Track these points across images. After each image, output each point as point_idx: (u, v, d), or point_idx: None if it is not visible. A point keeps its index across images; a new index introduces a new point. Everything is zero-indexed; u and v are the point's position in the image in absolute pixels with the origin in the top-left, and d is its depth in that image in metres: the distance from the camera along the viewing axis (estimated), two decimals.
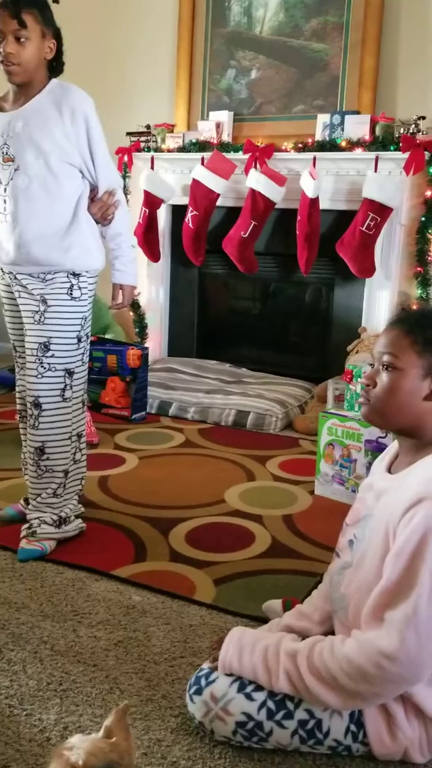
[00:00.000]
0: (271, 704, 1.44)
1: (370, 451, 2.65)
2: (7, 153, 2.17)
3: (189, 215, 4.06)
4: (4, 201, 2.19)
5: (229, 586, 2.12)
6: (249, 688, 1.46)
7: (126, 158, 4.27)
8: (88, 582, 2.13)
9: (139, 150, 4.23)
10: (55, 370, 2.24)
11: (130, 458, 3.15)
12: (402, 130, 3.50)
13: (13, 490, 2.73)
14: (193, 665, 1.73)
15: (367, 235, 3.59)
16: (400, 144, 3.47)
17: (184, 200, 4.11)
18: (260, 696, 1.45)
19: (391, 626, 1.32)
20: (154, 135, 4.20)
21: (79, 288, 2.27)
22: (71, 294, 2.26)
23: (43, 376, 2.24)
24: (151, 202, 4.18)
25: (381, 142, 3.55)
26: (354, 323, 3.85)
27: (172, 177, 4.22)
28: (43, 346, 2.23)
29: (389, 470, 1.55)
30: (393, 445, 1.61)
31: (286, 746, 1.46)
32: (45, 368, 2.24)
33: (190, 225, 4.06)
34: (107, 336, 4.25)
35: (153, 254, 4.32)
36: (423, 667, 1.33)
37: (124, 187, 4.35)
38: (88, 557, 2.25)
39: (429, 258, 3.60)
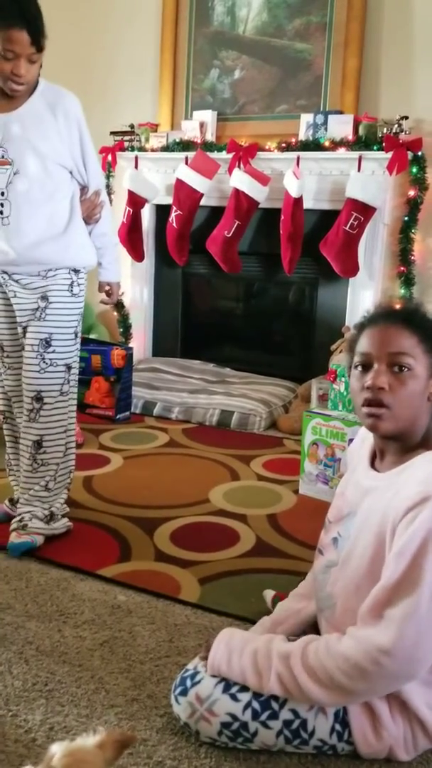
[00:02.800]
0: (256, 705, 1.44)
1: None
2: (3, 156, 2.16)
3: (173, 215, 4.05)
4: (1, 205, 2.17)
5: (214, 585, 2.12)
6: (234, 689, 1.46)
7: (110, 158, 4.26)
8: (73, 582, 2.12)
9: (122, 149, 4.22)
10: (56, 365, 2.27)
11: (115, 458, 3.14)
12: (385, 130, 3.51)
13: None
14: (178, 665, 1.73)
15: (351, 235, 3.61)
16: (383, 144, 3.49)
17: (168, 200, 4.11)
18: (245, 697, 1.45)
19: (390, 622, 1.32)
20: (137, 134, 4.19)
21: (78, 284, 2.32)
22: (71, 290, 2.29)
23: (45, 371, 2.26)
24: (135, 201, 4.18)
25: (364, 141, 3.57)
26: (337, 323, 3.86)
27: (156, 176, 4.22)
28: (44, 342, 2.25)
29: (373, 467, 1.55)
30: (367, 439, 1.58)
31: (271, 746, 1.46)
32: (47, 363, 2.26)
33: (174, 225, 4.06)
34: (91, 336, 4.24)
35: (137, 254, 4.31)
36: (419, 663, 1.33)
37: (108, 186, 4.35)
38: (74, 557, 2.24)
39: (412, 257, 3.62)
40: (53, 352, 2.26)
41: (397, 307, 1.50)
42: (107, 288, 2.52)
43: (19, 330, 2.29)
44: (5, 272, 2.26)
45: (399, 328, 1.43)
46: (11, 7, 1.97)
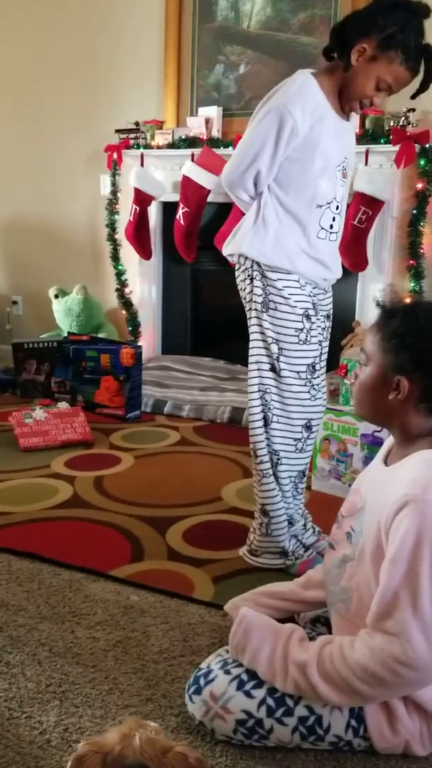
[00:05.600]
0: (270, 701, 1.44)
1: (366, 445, 2.65)
2: (345, 168, 2.07)
3: (180, 212, 4.04)
4: (333, 219, 2.07)
5: (229, 583, 2.11)
6: (248, 686, 1.46)
7: (115, 155, 4.25)
8: (86, 583, 2.12)
9: (128, 147, 4.21)
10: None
11: (126, 458, 3.14)
12: (392, 123, 3.49)
13: (8, 492, 2.72)
14: (192, 664, 1.72)
15: (359, 229, 3.58)
16: (390, 137, 3.46)
17: (175, 197, 4.10)
18: (260, 693, 1.45)
19: (399, 633, 1.31)
20: (143, 132, 4.18)
21: None
22: None
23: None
24: (142, 199, 4.17)
25: (371, 135, 3.55)
26: (348, 317, 3.83)
27: (162, 174, 4.21)
28: (325, 362, 2.23)
29: (385, 462, 1.55)
30: (390, 437, 1.61)
31: (287, 743, 1.46)
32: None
33: (182, 222, 4.05)
34: (100, 335, 4.24)
35: (145, 252, 4.30)
36: None
37: (114, 184, 4.35)
38: (86, 558, 2.24)
39: (421, 250, 3.59)
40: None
41: (389, 304, 1.49)
42: None
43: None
44: (315, 285, 2.12)
45: (374, 325, 1.49)
46: (417, 58, 1.91)
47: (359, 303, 3.85)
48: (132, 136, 4.19)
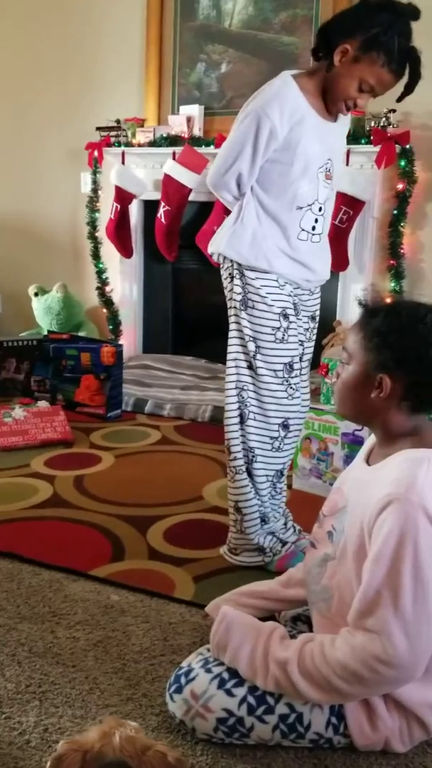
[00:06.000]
0: (251, 699, 1.44)
1: (347, 444, 2.66)
2: (329, 170, 2.05)
3: (161, 210, 4.03)
4: (315, 220, 2.06)
5: (209, 582, 2.11)
6: (229, 684, 1.46)
7: (96, 153, 4.24)
8: (66, 583, 2.11)
9: (109, 145, 4.20)
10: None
11: (106, 457, 3.12)
12: (373, 124, 3.51)
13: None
14: (173, 663, 1.72)
15: (340, 229, 3.60)
16: (371, 137, 3.48)
17: (156, 195, 4.09)
18: (240, 691, 1.45)
19: (382, 631, 1.32)
20: (124, 129, 4.16)
21: None
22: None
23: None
24: (123, 197, 4.16)
25: (352, 135, 3.56)
26: (329, 317, 3.85)
27: (143, 172, 4.20)
28: (309, 363, 2.25)
29: (368, 461, 1.55)
30: (372, 436, 1.61)
31: (267, 741, 1.46)
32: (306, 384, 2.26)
33: (163, 220, 4.04)
34: (81, 333, 4.22)
35: (125, 250, 4.29)
36: (417, 666, 1.34)
37: (95, 182, 4.33)
38: (66, 557, 2.23)
39: (401, 251, 3.62)
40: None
41: (371, 303, 1.49)
42: None
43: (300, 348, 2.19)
44: (296, 285, 2.13)
45: (356, 324, 1.49)
46: (401, 60, 1.88)
47: (340, 303, 3.87)
48: (113, 133, 4.18)
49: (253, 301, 2.06)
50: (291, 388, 2.14)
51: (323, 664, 1.37)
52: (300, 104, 1.96)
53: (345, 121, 2.15)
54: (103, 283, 4.45)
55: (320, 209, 2.06)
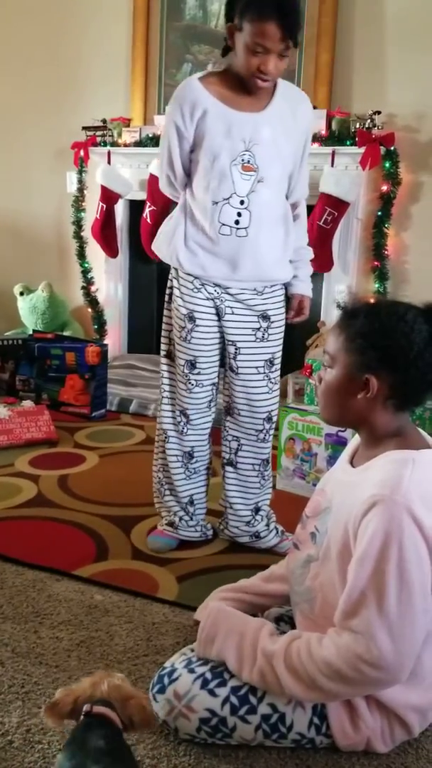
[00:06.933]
0: (234, 699, 1.44)
1: (330, 445, 2.67)
2: (249, 162, 2.00)
3: (147, 210, 4.03)
4: (239, 214, 2.03)
5: (192, 582, 2.12)
6: (212, 684, 1.46)
7: (82, 153, 4.23)
8: (49, 582, 2.10)
9: (95, 144, 4.19)
10: (277, 383, 2.26)
11: (90, 456, 3.12)
12: (358, 125, 3.52)
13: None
14: (156, 663, 1.72)
15: (325, 230, 3.61)
16: (356, 139, 3.49)
17: (142, 195, 4.09)
18: (223, 692, 1.45)
19: (366, 632, 1.32)
20: (110, 129, 4.16)
21: (286, 299, 2.25)
22: (285, 306, 2.24)
23: (272, 392, 2.25)
24: (108, 197, 4.15)
25: (337, 136, 3.57)
26: (313, 317, 3.84)
27: (129, 171, 4.19)
28: (269, 363, 2.22)
29: (351, 463, 1.55)
30: (356, 437, 1.62)
31: (250, 741, 1.47)
32: (273, 383, 2.24)
33: (148, 220, 4.04)
34: (65, 333, 4.21)
35: (111, 250, 4.28)
36: (402, 667, 1.34)
37: (81, 182, 4.32)
38: (49, 557, 2.22)
39: (386, 252, 3.64)
40: (276, 371, 2.23)
41: (350, 305, 1.50)
42: (301, 300, 2.28)
43: (231, 348, 2.19)
44: (218, 285, 2.12)
45: (336, 327, 1.49)
46: (265, 4, 1.83)
47: (324, 303, 3.88)
48: (99, 133, 4.17)
49: (172, 296, 2.21)
50: (190, 383, 2.22)
51: (309, 661, 1.38)
52: (201, 100, 1.99)
53: (277, 109, 2.04)
54: (89, 282, 4.44)
55: (242, 203, 2.03)
